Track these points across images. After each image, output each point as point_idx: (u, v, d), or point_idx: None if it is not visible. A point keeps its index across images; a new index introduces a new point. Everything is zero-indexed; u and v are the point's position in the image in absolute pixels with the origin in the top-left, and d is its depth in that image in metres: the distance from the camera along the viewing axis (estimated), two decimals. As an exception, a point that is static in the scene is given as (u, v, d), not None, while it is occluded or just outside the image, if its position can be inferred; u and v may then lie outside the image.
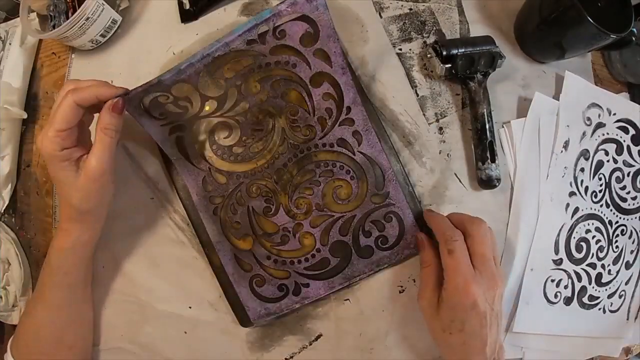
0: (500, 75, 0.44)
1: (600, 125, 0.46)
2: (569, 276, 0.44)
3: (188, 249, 0.42)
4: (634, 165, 0.47)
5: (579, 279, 0.45)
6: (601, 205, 0.46)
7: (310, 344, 0.42)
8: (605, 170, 0.46)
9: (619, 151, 0.47)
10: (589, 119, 0.45)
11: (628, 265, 0.47)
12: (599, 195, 0.46)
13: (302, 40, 0.36)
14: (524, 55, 0.46)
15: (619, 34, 0.38)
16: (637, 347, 0.49)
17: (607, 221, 0.46)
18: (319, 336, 0.42)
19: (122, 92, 0.33)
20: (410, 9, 0.45)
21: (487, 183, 0.41)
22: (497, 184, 0.41)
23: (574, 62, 0.47)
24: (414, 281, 0.42)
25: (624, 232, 0.47)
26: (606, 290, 0.46)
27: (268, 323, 0.42)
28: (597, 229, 0.46)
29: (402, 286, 0.42)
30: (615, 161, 0.47)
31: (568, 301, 0.44)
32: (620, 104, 0.47)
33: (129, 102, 0.34)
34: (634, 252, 0.48)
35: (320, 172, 0.39)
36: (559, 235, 0.44)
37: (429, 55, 0.43)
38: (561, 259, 0.44)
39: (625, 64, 0.49)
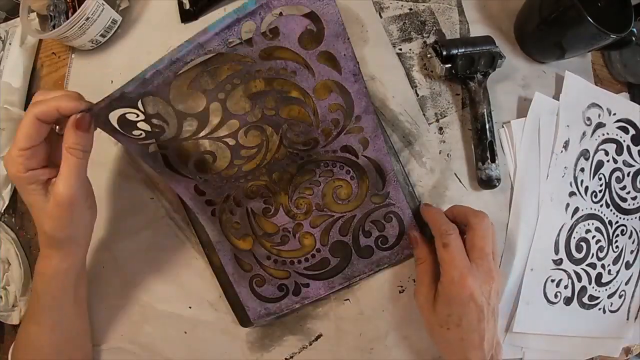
0: (500, 75, 0.44)
1: (600, 125, 0.46)
2: (569, 276, 0.44)
3: (188, 249, 0.42)
4: (634, 165, 0.47)
5: (579, 279, 0.45)
6: (601, 205, 0.46)
7: (310, 344, 0.42)
8: (605, 170, 0.46)
9: (619, 151, 0.47)
10: (589, 119, 0.45)
11: (628, 265, 0.47)
12: (599, 195, 0.46)
13: (302, 40, 0.30)
14: (524, 55, 0.46)
15: (619, 34, 0.38)
16: (637, 347, 0.49)
17: (607, 221, 0.46)
18: (319, 336, 0.42)
19: (84, 107, 0.29)
20: (410, 9, 0.45)
21: (487, 183, 0.41)
22: (497, 184, 0.41)
23: (574, 62, 0.47)
24: (414, 281, 0.42)
25: (624, 232, 0.47)
26: (606, 290, 0.46)
27: (268, 323, 0.42)
28: (597, 229, 0.46)
29: (402, 286, 0.42)
30: (615, 161, 0.47)
31: (568, 301, 0.44)
32: (620, 104, 0.47)
33: (96, 118, 0.29)
34: (634, 252, 0.48)
35: (320, 172, 0.39)
36: (559, 235, 0.44)
37: (429, 55, 0.43)
38: (561, 259, 0.44)
39: (625, 64, 0.49)
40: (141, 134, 0.31)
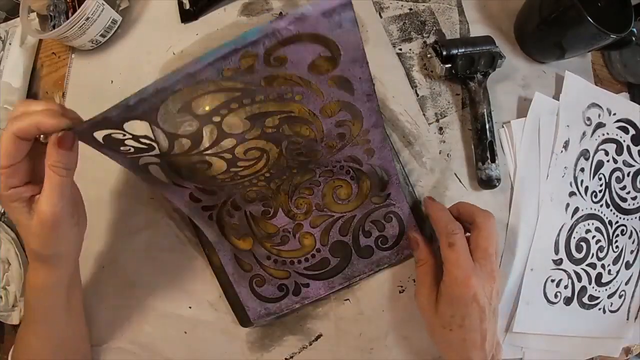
0: (500, 75, 0.44)
1: (600, 125, 0.46)
2: (569, 276, 0.44)
3: (188, 249, 0.42)
4: (634, 165, 0.47)
5: (579, 279, 0.45)
6: (601, 205, 0.46)
7: (310, 344, 0.42)
8: (605, 170, 0.46)
9: (619, 151, 0.47)
10: (589, 119, 0.45)
11: (628, 265, 0.47)
12: (599, 195, 0.46)
13: (312, 67, 0.26)
14: (524, 55, 0.46)
15: (619, 34, 0.38)
16: (637, 347, 0.49)
17: (607, 221, 0.46)
18: (319, 336, 0.42)
19: (65, 126, 0.27)
20: (410, 9, 0.45)
21: (487, 183, 0.41)
22: (497, 184, 0.41)
23: (574, 62, 0.47)
24: (414, 281, 0.42)
25: (624, 232, 0.47)
26: (606, 290, 0.46)
27: (268, 323, 0.42)
28: (597, 229, 0.46)
29: (402, 286, 0.42)
30: (615, 161, 0.47)
31: (568, 301, 0.44)
32: (620, 104, 0.47)
33: (80, 136, 0.27)
34: (634, 252, 0.48)
35: (320, 172, 0.39)
36: (559, 235, 0.44)
37: (429, 55, 0.43)
38: (561, 259, 0.44)
39: (625, 64, 0.49)
40: (130, 149, 0.29)
